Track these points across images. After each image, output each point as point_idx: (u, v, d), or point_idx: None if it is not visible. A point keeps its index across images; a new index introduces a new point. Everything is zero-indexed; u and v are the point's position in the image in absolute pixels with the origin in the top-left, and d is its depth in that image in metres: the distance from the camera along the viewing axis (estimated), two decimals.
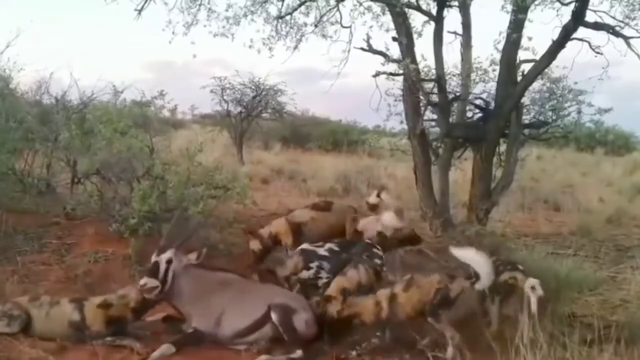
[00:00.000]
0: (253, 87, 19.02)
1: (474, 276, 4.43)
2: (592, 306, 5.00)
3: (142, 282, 4.48)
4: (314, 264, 5.54)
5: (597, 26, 7.61)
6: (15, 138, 7.51)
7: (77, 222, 7.20)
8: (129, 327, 4.65)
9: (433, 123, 9.66)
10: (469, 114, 9.62)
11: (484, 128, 8.74)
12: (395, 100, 9.39)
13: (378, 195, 7.22)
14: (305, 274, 5.53)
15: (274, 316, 4.49)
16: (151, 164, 6.92)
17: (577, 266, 5.80)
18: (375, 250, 5.56)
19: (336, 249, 5.72)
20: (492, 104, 8.85)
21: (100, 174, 7.36)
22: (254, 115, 19.68)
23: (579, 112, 9.51)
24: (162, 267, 4.56)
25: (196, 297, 4.66)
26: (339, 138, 25.75)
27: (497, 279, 4.78)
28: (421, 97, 8.41)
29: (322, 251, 5.67)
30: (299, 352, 4.33)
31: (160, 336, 4.64)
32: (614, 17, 7.63)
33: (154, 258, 4.62)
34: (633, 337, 4.25)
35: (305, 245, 5.82)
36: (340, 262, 5.44)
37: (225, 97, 19.15)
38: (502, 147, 9.29)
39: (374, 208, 7.19)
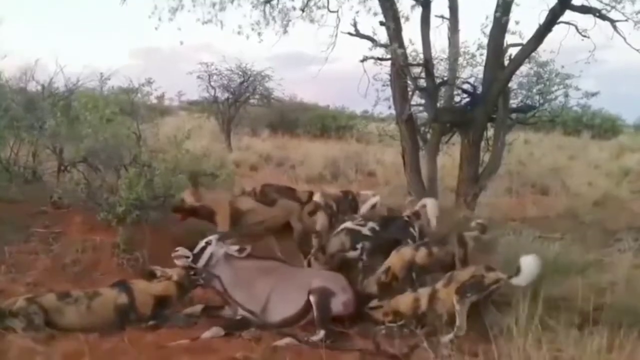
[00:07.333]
0: (240, 73, 18.97)
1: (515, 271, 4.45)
2: (580, 289, 5.02)
3: (176, 249, 4.82)
4: (359, 245, 5.63)
5: (583, 9, 7.61)
6: (0, 126, 7.41)
7: (64, 211, 7.12)
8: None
9: (421, 108, 9.64)
10: (457, 99, 9.61)
11: (471, 113, 8.73)
12: (383, 85, 9.40)
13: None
14: (352, 254, 5.62)
15: (312, 299, 4.65)
16: (138, 151, 6.89)
17: (564, 249, 5.84)
18: (411, 229, 5.79)
19: (377, 228, 5.81)
20: (480, 89, 8.83)
21: (86, 162, 7.29)
22: (241, 101, 19.61)
23: (566, 95, 9.61)
24: (200, 245, 4.89)
25: (240, 284, 4.85)
26: (327, 124, 25.77)
27: None
28: (409, 82, 8.38)
29: (365, 231, 5.74)
30: (321, 333, 4.45)
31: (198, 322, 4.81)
32: (600, 1, 7.63)
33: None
34: (620, 320, 4.28)
35: (349, 224, 5.82)
36: (380, 242, 5.63)
37: (212, 83, 19.13)
38: (490, 132, 9.32)
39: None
